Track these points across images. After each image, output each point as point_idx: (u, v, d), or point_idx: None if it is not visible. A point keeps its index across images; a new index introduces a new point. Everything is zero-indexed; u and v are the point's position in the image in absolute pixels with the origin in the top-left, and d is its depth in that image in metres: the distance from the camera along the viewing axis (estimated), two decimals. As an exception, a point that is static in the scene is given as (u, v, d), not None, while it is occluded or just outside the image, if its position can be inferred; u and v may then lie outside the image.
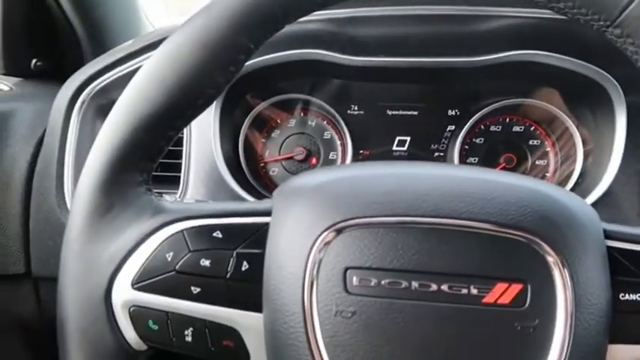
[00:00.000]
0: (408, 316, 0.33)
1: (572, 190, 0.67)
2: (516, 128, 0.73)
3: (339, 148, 0.76)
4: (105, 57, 0.72)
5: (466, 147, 0.74)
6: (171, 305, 0.38)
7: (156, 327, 0.38)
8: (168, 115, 0.38)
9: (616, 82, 0.61)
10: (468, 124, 0.72)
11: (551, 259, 0.34)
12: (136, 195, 0.40)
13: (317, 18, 0.67)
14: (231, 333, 0.38)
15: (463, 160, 0.74)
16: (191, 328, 0.38)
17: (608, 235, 0.36)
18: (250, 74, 0.67)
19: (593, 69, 0.62)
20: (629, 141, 0.61)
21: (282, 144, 0.77)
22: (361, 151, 0.77)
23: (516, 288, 0.33)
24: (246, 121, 0.75)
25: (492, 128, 0.74)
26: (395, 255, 0.34)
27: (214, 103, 0.67)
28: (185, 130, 0.69)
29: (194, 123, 0.69)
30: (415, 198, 0.35)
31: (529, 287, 0.33)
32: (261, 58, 0.66)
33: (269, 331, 0.36)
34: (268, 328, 0.36)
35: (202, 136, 0.68)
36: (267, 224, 0.38)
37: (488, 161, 0.73)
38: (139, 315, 0.38)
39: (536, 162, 0.73)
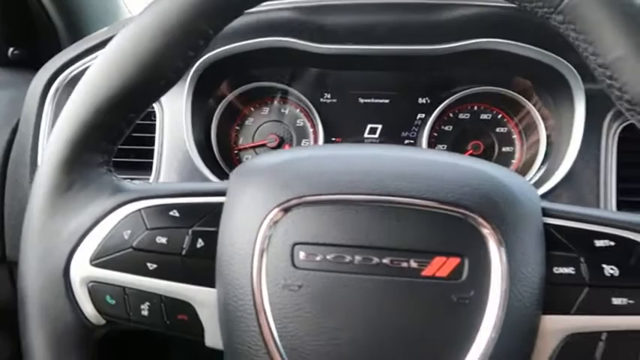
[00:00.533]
0: (351, 289, 0.35)
1: (536, 174, 0.69)
2: (484, 116, 0.75)
3: (312, 136, 0.78)
4: (80, 44, 0.73)
5: (435, 134, 0.76)
6: (128, 281, 0.39)
7: (113, 302, 0.40)
8: (129, 97, 0.39)
9: (574, 70, 0.63)
10: (437, 111, 0.74)
11: (488, 234, 0.35)
12: (97, 175, 0.41)
13: (286, 6, 0.68)
14: (186, 307, 0.39)
15: (432, 147, 0.75)
16: (147, 303, 0.39)
17: (546, 212, 0.38)
18: (221, 62, 0.68)
19: (552, 57, 0.63)
20: (588, 126, 0.62)
21: (255, 131, 0.79)
22: (334, 139, 0.78)
23: (454, 262, 0.35)
24: (218, 109, 0.76)
25: (461, 116, 0.75)
26: (339, 231, 0.36)
27: (185, 89, 0.69)
28: (158, 116, 0.70)
29: (167, 109, 0.70)
30: (359, 177, 0.37)
31: (466, 261, 0.35)
32: (230, 46, 0.68)
33: (221, 305, 0.38)
34: (220, 302, 0.38)
35: (175, 122, 0.69)
36: (222, 204, 0.40)
37: (457, 148, 0.75)
38: (96, 291, 0.40)
39: (503, 149, 0.74)
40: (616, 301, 0.35)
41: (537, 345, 0.36)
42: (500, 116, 0.75)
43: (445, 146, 0.75)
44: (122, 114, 0.40)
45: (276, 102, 0.79)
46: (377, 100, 0.77)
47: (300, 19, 0.67)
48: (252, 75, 0.77)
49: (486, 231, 0.35)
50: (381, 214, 0.36)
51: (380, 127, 0.78)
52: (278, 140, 0.78)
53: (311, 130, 0.78)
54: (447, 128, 0.76)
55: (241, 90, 0.77)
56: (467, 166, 0.38)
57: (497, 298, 0.34)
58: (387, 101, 0.77)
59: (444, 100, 0.74)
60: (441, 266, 0.35)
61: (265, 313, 0.36)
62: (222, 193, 0.40)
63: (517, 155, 0.74)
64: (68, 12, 0.88)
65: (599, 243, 0.36)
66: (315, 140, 0.77)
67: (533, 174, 0.69)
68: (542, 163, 0.69)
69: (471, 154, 0.74)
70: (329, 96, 0.78)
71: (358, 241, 0.36)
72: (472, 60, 0.67)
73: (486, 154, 0.74)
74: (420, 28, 0.66)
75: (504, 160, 0.74)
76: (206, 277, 0.39)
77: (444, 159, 0.39)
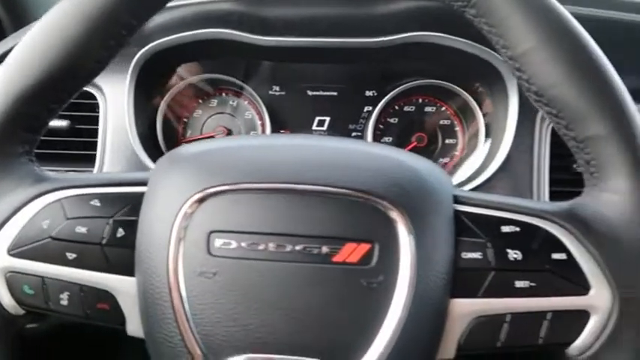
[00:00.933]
0: (265, 275, 0.36)
1: (475, 165, 0.71)
2: (428, 109, 0.77)
3: (260, 128, 0.78)
4: (19, 33, 0.72)
5: (381, 126, 0.77)
6: (46, 271, 0.39)
7: (32, 292, 0.39)
8: (48, 87, 0.39)
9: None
10: (381, 104, 0.75)
11: (398, 221, 0.36)
12: (18, 165, 0.41)
13: (226, -2, 0.69)
14: (106, 296, 0.40)
15: (378, 140, 0.76)
16: (67, 293, 0.39)
17: (457, 199, 0.39)
18: (163, 53, 0.68)
19: (486, 50, 0.65)
20: (522, 118, 0.64)
21: (203, 123, 0.79)
22: (282, 131, 0.79)
23: (364, 248, 0.36)
24: (164, 101, 0.76)
25: (406, 109, 0.77)
26: (254, 219, 0.37)
27: (127, 81, 0.69)
28: (101, 107, 0.70)
29: (110, 101, 0.70)
30: (274, 166, 0.38)
31: (376, 247, 0.36)
32: (169, 38, 0.67)
33: (140, 293, 0.38)
34: (140, 290, 0.38)
35: (118, 114, 0.69)
36: (143, 193, 0.40)
37: (402, 140, 0.76)
38: (14, 280, 0.39)
39: (446, 140, 0.76)
40: (519, 284, 0.37)
41: (446, 328, 0.37)
42: (443, 109, 0.76)
43: (391, 138, 0.77)
44: (43, 104, 0.40)
45: (224, 94, 0.79)
46: (325, 93, 0.78)
47: (241, 11, 0.68)
48: (199, 67, 0.77)
49: (396, 217, 0.36)
50: (295, 202, 0.37)
51: (328, 119, 0.78)
52: (226, 132, 0.78)
53: (259, 122, 0.78)
54: (392, 121, 0.77)
55: (188, 82, 0.77)
56: (379, 154, 0.39)
57: (405, 283, 0.36)
58: (335, 94, 0.78)
59: (389, 93, 0.76)
60: (351, 252, 0.36)
61: (181, 300, 0.36)
62: (144, 183, 0.40)
63: (459, 146, 0.76)
64: (14, 2, 0.86)
65: (505, 229, 0.38)
66: (264, 132, 0.78)
67: (473, 164, 0.71)
68: (481, 154, 0.71)
69: (415, 146, 0.76)
70: (278, 88, 0.78)
71: (272, 229, 0.36)
72: (411, 53, 0.68)
73: (430, 146, 0.76)
74: (360, 21, 0.67)
75: (447, 151, 0.76)
76: (126, 266, 0.39)
77: (357, 148, 0.40)
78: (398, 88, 0.75)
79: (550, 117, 0.38)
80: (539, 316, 0.37)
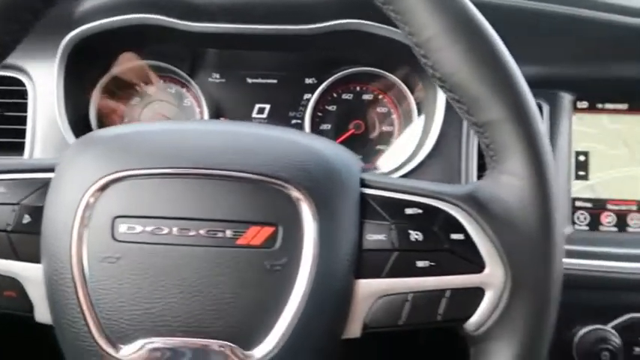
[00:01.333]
0: (168, 260, 0.36)
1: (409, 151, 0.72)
2: (366, 96, 0.77)
3: (198, 116, 0.78)
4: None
5: (319, 114, 0.77)
6: None
7: None
8: None
9: None
10: (318, 91, 0.75)
11: (302, 203, 0.37)
12: None
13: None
14: (13, 284, 0.39)
15: (316, 127, 0.77)
16: None
17: (364, 183, 0.40)
18: (93, 38, 0.67)
19: None
20: (449, 105, 0.66)
21: (142, 111, 0.78)
22: (222, 119, 0.78)
23: (268, 231, 0.37)
24: (97, 87, 0.75)
25: (344, 96, 0.78)
26: (159, 204, 0.37)
27: (56, 67, 0.67)
28: (30, 94, 0.68)
29: (39, 87, 0.68)
30: (179, 151, 0.38)
31: (280, 230, 0.37)
32: (97, 23, 0.66)
33: (46, 280, 0.38)
34: (46, 277, 0.38)
35: (47, 101, 0.68)
36: (51, 179, 0.39)
37: (340, 128, 0.77)
38: None
39: (384, 128, 0.77)
40: (420, 263, 0.38)
41: (351, 308, 0.38)
42: (380, 96, 0.77)
43: (329, 126, 0.78)
44: None
45: (162, 81, 0.78)
46: (265, 81, 0.78)
47: (171, -3, 0.67)
48: (136, 53, 0.76)
49: (301, 200, 0.37)
50: (199, 187, 0.37)
51: (268, 107, 0.78)
52: (165, 120, 0.77)
53: (197, 110, 0.78)
54: (330, 108, 0.78)
55: (124, 68, 0.76)
56: (285, 138, 0.40)
57: (308, 265, 0.36)
58: (274, 81, 0.78)
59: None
60: (255, 235, 0.36)
61: (85, 286, 0.36)
62: (52, 169, 0.40)
63: (396, 134, 0.77)
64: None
65: (409, 211, 0.39)
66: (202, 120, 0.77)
67: (407, 150, 0.73)
68: (414, 140, 0.72)
69: (352, 134, 0.77)
70: (217, 76, 0.78)
71: (176, 213, 0.37)
72: (344, 41, 0.69)
73: (368, 133, 0.77)
74: (292, 8, 0.67)
75: (385, 138, 0.77)
76: (32, 253, 0.38)
77: (263, 132, 0.40)
78: (335, 76, 0.75)
79: (454, 102, 0.39)
80: (438, 294, 0.38)
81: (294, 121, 0.78)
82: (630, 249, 0.66)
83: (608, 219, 0.69)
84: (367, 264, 0.38)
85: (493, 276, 0.38)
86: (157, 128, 0.41)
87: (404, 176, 0.71)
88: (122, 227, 0.36)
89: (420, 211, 0.39)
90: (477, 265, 0.38)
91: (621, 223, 0.69)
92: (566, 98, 0.69)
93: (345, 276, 0.38)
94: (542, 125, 0.38)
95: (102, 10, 0.66)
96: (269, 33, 0.68)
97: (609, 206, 0.69)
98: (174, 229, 0.36)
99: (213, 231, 0.36)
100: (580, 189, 0.70)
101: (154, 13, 0.66)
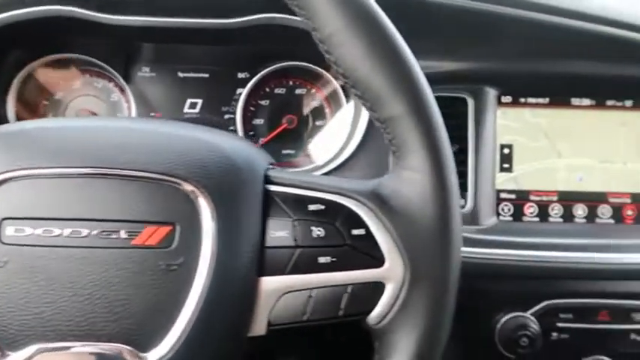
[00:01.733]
0: (60, 261, 0.35)
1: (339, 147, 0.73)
2: (299, 90, 0.77)
3: (126, 111, 0.76)
4: None
5: (252, 109, 0.77)
6: None
7: None
8: None
9: None
10: (250, 85, 0.75)
11: (201, 202, 0.37)
12: None
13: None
14: None
15: (248, 122, 0.76)
16: None
17: (268, 179, 0.40)
18: (6, 30, 0.64)
19: None
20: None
21: (67, 106, 0.75)
22: (152, 114, 0.76)
23: (164, 230, 0.36)
24: (16, 82, 0.72)
25: (277, 90, 0.77)
26: (49, 205, 0.36)
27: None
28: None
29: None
30: (70, 150, 0.37)
31: (177, 229, 0.36)
32: (9, 14, 0.63)
33: None
34: None
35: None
36: None
37: (273, 122, 0.77)
38: None
39: (316, 122, 0.77)
40: (322, 259, 0.38)
41: (256, 305, 0.38)
42: (313, 91, 0.77)
43: (262, 120, 0.77)
44: None
45: (88, 75, 0.75)
46: (197, 75, 0.77)
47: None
48: (58, 45, 0.73)
49: (199, 198, 0.37)
50: (92, 187, 0.36)
51: (200, 101, 0.77)
52: (91, 115, 0.75)
53: (125, 105, 0.76)
54: (263, 103, 0.77)
55: (44, 61, 0.73)
56: (186, 135, 0.39)
57: (206, 264, 0.36)
58: (206, 75, 0.77)
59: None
60: (151, 235, 0.36)
61: None
62: None
63: (329, 127, 0.77)
64: None
65: (312, 207, 0.39)
66: (130, 115, 0.75)
67: (337, 145, 0.73)
68: (344, 136, 0.73)
69: (285, 128, 0.77)
70: (147, 70, 0.76)
71: (67, 214, 0.35)
72: (270, 35, 0.68)
73: (301, 128, 0.77)
74: (213, 1, 0.66)
75: (317, 132, 0.77)
76: None
77: (163, 129, 0.39)
78: (266, 70, 0.75)
79: (358, 98, 0.40)
80: (340, 289, 0.38)
81: (227, 116, 0.77)
82: (550, 238, 0.68)
83: (530, 210, 0.72)
84: (270, 261, 0.38)
85: (393, 270, 0.38)
86: (56, 125, 0.40)
87: (335, 169, 0.71)
88: (9, 230, 0.35)
89: (323, 207, 0.39)
90: (377, 260, 0.38)
91: (543, 213, 0.72)
92: (491, 93, 0.71)
93: (247, 274, 0.38)
94: (441, 120, 0.39)
95: (14, 2, 0.63)
96: (189, 26, 0.66)
97: (532, 197, 0.72)
98: (66, 231, 0.35)
99: (107, 232, 0.35)
100: (504, 181, 0.72)
101: (70, 5, 0.64)
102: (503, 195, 0.72)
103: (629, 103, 0.72)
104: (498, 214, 0.72)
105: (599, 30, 0.71)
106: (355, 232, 0.38)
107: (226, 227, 0.37)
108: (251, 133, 0.77)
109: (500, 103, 0.72)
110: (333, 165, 0.71)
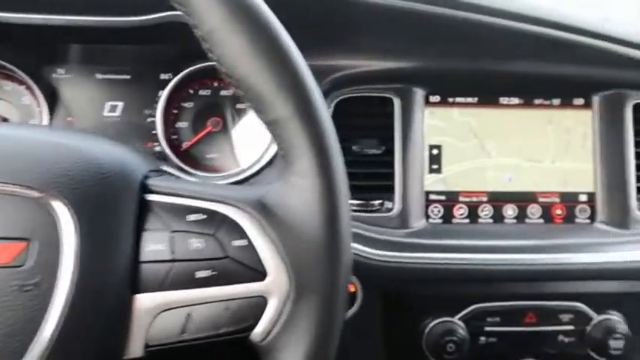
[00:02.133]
0: None
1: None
2: (224, 92, 0.74)
3: (38, 116, 0.71)
4: None
5: (174, 111, 0.73)
6: None
7: None
8: None
9: None
10: (170, 87, 0.71)
11: (62, 216, 0.33)
12: None
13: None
14: None
15: (171, 125, 0.73)
16: None
17: (148, 189, 0.37)
18: None
19: None
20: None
21: (-27, 111, 0.71)
22: (69, 118, 0.72)
23: (18, 247, 0.33)
24: None
25: (201, 92, 0.74)
26: None
27: None
28: None
29: None
30: None
31: (34, 245, 0.33)
32: None
33: None
34: None
35: None
36: None
37: (197, 124, 0.73)
38: None
39: (242, 124, 0.74)
40: (200, 273, 0.35)
41: (130, 325, 0.35)
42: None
43: (186, 123, 0.74)
44: None
45: (-4, 78, 0.71)
46: (117, 76, 0.73)
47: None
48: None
49: (60, 212, 0.33)
50: None
51: (121, 104, 0.73)
52: (1, 120, 0.70)
53: (37, 109, 0.71)
54: (187, 105, 0.74)
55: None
56: (50, 141, 0.36)
57: (67, 283, 0.33)
58: (127, 77, 0.73)
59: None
60: (3, 252, 0.32)
61: None
62: None
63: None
64: None
65: (191, 217, 0.36)
66: (42, 120, 0.71)
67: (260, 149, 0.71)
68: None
69: (210, 131, 0.74)
70: (63, 71, 0.72)
71: None
72: (185, 34, 0.65)
73: (225, 130, 0.74)
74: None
75: (243, 135, 0.74)
76: None
77: (24, 135, 0.36)
78: (187, 70, 0.72)
79: (243, 99, 0.37)
80: (220, 305, 0.36)
81: (149, 119, 0.74)
82: (480, 240, 0.67)
83: (460, 211, 0.70)
84: (145, 277, 0.35)
85: (276, 283, 0.36)
86: None
87: (259, 171, 0.69)
88: None
89: (204, 216, 0.36)
90: (260, 273, 0.36)
91: (473, 214, 0.70)
92: (419, 93, 0.70)
93: (118, 292, 0.35)
94: (330, 123, 0.37)
95: None
96: (93, 25, 0.63)
97: (461, 198, 0.70)
98: None
99: None
100: (433, 182, 0.70)
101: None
102: (432, 197, 0.70)
103: (556, 101, 0.72)
104: (428, 217, 0.70)
105: (527, 29, 0.70)
106: (237, 243, 0.36)
107: (92, 242, 0.34)
108: (174, 136, 0.73)
109: (428, 102, 0.70)
110: (257, 167, 0.69)
